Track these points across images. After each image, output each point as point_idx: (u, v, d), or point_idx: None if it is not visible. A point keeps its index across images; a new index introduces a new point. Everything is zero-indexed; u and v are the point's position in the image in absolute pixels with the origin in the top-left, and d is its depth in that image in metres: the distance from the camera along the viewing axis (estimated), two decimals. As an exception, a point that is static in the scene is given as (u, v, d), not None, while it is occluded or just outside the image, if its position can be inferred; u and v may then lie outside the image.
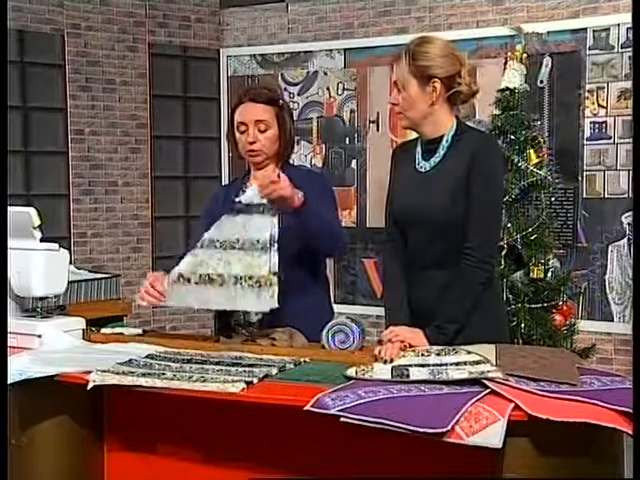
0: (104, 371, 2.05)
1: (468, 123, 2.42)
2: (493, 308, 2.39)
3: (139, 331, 2.65)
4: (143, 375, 2.02)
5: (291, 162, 2.72)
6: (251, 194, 2.32)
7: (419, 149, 2.38)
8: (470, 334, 2.23)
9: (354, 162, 5.05)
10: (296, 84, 5.19)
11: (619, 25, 4.23)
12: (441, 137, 2.32)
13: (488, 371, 1.87)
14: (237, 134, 2.60)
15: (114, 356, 2.23)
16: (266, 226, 2.29)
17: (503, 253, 3.71)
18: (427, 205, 2.28)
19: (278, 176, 2.28)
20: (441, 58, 2.27)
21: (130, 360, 2.16)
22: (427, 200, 2.28)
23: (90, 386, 1.99)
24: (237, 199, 2.36)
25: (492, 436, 1.61)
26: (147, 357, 2.21)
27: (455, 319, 2.23)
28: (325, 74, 5.10)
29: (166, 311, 5.22)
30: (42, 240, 2.47)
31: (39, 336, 2.39)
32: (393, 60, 2.37)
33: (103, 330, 2.61)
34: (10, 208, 2.39)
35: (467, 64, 2.31)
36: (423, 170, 2.34)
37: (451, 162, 2.29)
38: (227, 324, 2.61)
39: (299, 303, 2.46)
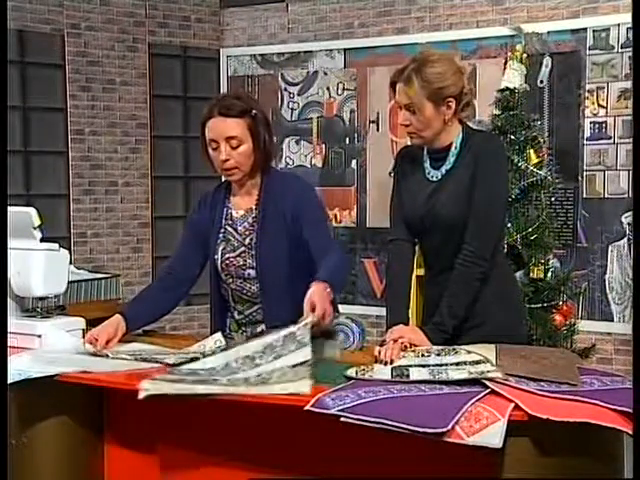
0: (155, 379, 1.95)
1: (469, 124, 2.42)
2: (511, 304, 2.43)
3: (139, 331, 2.65)
4: (194, 382, 1.92)
5: (275, 167, 2.63)
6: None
7: (427, 158, 2.39)
8: (489, 330, 2.26)
9: (354, 162, 5.05)
10: (296, 84, 5.19)
11: (619, 25, 4.23)
12: (449, 145, 2.33)
13: (488, 371, 1.87)
14: (210, 150, 2.46)
15: (115, 356, 2.24)
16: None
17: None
18: (442, 212, 2.31)
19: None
20: (453, 76, 2.26)
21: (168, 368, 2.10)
22: (442, 208, 2.31)
23: (142, 395, 1.86)
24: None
25: (492, 436, 1.61)
26: (178, 364, 2.11)
27: (453, 315, 2.24)
28: (325, 74, 5.10)
29: (166, 311, 5.21)
30: (42, 240, 2.47)
31: (39, 336, 2.39)
32: (397, 78, 2.29)
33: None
34: (10, 208, 2.39)
35: (466, 70, 2.32)
36: (435, 179, 2.36)
37: (461, 168, 2.31)
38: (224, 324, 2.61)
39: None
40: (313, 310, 2.06)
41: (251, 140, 2.42)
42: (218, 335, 2.36)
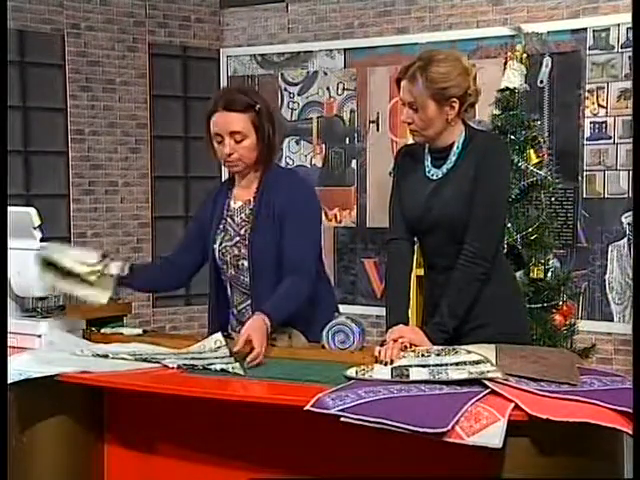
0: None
1: (471, 124, 2.42)
2: (513, 304, 2.43)
3: (139, 331, 2.65)
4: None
5: (279, 163, 2.67)
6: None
7: (428, 156, 2.39)
8: (492, 331, 2.26)
9: (354, 162, 5.05)
10: (296, 84, 5.19)
11: (619, 25, 4.22)
12: (451, 144, 2.33)
13: (488, 371, 1.87)
14: (214, 143, 2.49)
15: (115, 356, 2.24)
16: None
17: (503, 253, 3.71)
18: (443, 212, 2.30)
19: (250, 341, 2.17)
20: (458, 77, 2.25)
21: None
22: (442, 207, 2.30)
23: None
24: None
25: (492, 436, 1.61)
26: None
27: (453, 315, 2.24)
28: (325, 74, 5.10)
29: (166, 311, 5.22)
30: (42, 240, 2.47)
31: (39, 336, 2.39)
32: (401, 76, 2.29)
33: (103, 330, 2.61)
34: (10, 208, 2.39)
35: (473, 71, 2.31)
36: (435, 177, 2.35)
37: (462, 167, 2.31)
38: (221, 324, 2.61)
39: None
40: (248, 342, 2.15)
41: (255, 134, 2.46)
42: (218, 335, 2.36)
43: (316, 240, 2.56)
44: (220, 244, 2.56)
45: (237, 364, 2.11)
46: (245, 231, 2.52)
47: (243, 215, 2.54)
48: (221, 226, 2.58)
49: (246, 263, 2.51)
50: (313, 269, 2.49)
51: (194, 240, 2.67)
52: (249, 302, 2.54)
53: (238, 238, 2.53)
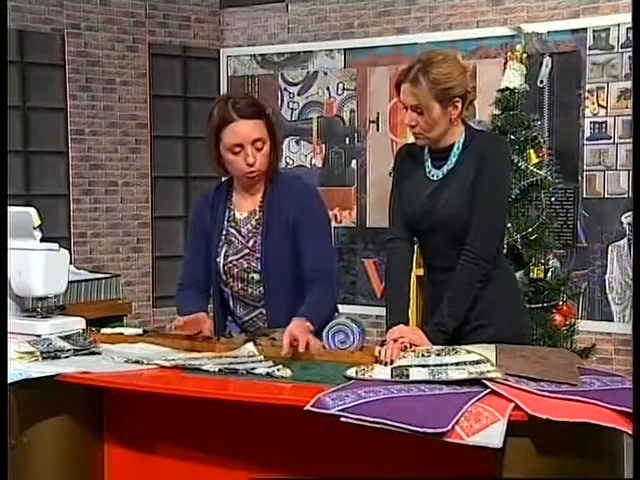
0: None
1: (470, 124, 2.42)
2: (514, 305, 2.43)
3: (139, 331, 2.64)
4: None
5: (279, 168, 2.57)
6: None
7: (428, 157, 2.38)
8: (491, 331, 2.26)
9: (354, 162, 5.05)
10: (296, 84, 5.19)
11: (619, 25, 4.23)
12: (451, 145, 2.33)
13: (488, 371, 1.87)
14: (229, 155, 2.38)
15: (116, 356, 2.23)
16: None
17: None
18: (443, 212, 2.30)
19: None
20: (459, 76, 2.25)
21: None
22: (443, 208, 2.30)
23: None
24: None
25: (492, 436, 1.61)
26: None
27: (454, 316, 2.24)
28: (325, 74, 5.10)
29: (166, 311, 5.22)
30: (42, 240, 2.47)
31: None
32: (401, 80, 2.27)
33: (103, 330, 2.61)
34: (10, 208, 2.39)
35: (468, 68, 2.30)
36: (435, 178, 2.35)
37: (462, 168, 2.31)
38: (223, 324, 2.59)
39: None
40: (294, 341, 2.12)
41: (269, 140, 2.40)
42: (250, 346, 2.23)
43: (332, 244, 2.55)
44: (224, 257, 2.47)
45: (281, 366, 2.03)
46: (255, 243, 2.44)
47: (249, 226, 2.46)
48: (223, 237, 2.48)
49: (256, 276, 2.44)
50: (336, 274, 2.49)
51: (201, 258, 2.53)
52: (256, 313, 2.50)
53: (247, 250, 2.45)
